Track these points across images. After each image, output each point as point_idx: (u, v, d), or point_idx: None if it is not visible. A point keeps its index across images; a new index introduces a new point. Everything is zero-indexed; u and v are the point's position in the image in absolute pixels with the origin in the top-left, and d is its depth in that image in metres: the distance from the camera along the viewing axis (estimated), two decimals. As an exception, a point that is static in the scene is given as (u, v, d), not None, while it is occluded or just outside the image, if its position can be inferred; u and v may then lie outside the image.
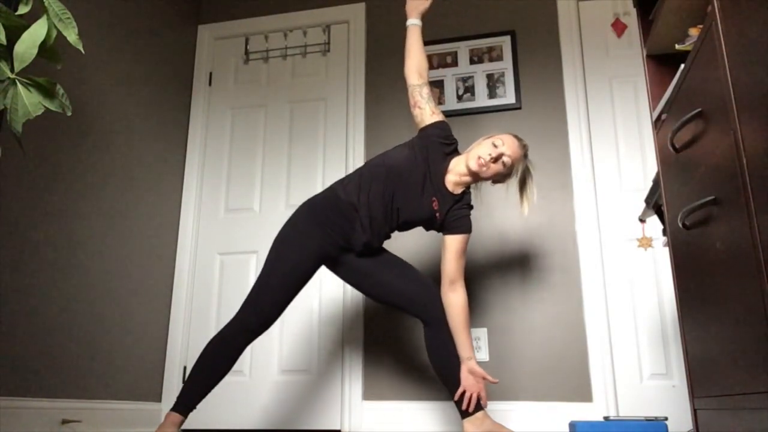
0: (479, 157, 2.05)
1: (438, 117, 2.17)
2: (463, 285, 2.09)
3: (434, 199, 2.10)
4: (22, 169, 2.29)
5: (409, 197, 2.10)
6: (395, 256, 2.21)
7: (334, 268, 2.19)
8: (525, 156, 2.15)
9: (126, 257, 2.85)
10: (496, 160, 2.06)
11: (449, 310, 2.06)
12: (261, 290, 2.04)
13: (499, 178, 2.14)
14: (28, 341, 2.27)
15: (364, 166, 2.18)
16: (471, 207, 2.16)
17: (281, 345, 3.05)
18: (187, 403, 1.99)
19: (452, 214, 2.11)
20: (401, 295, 2.11)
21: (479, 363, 2.78)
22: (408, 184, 2.09)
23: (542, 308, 2.80)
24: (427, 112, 2.17)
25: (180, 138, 3.39)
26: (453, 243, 2.09)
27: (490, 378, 2.03)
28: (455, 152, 2.18)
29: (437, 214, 2.11)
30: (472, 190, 2.20)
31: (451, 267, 2.07)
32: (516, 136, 2.15)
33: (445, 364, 2.07)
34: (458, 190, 2.13)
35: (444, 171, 2.12)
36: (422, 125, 2.17)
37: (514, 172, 2.13)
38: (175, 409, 1.98)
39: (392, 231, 2.17)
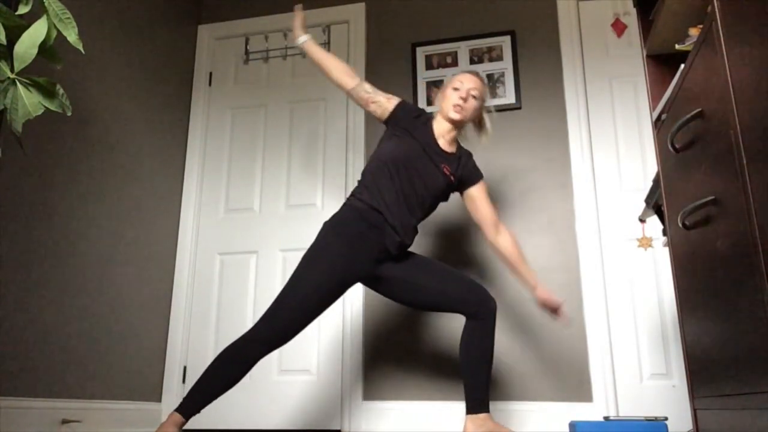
0: (453, 105, 2.18)
1: (395, 99, 2.24)
2: (503, 225, 2.25)
3: (444, 165, 2.18)
4: (22, 169, 2.29)
5: (425, 176, 2.14)
6: (428, 258, 2.21)
7: (375, 286, 2.17)
8: (485, 84, 2.30)
9: (126, 257, 2.85)
10: (466, 99, 2.19)
11: (504, 250, 2.20)
12: (280, 307, 2.01)
13: (477, 113, 2.26)
14: (29, 341, 2.27)
15: (364, 174, 2.18)
16: (470, 154, 2.29)
17: (281, 345, 3.05)
18: (191, 406, 1.98)
19: (462, 169, 2.23)
20: (445, 296, 2.11)
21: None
22: (417, 167, 2.13)
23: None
24: (383, 102, 2.23)
25: (180, 138, 3.39)
26: (478, 192, 2.24)
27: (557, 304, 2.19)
28: (429, 119, 2.26)
29: (452, 177, 2.19)
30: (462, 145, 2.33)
31: (487, 212, 2.23)
32: (468, 71, 2.28)
33: (474, 355, 2.07)
34: (453, 148, 2.25)
35: (433, 138, 2.20)
36: (386, 115, 2.22)
37: (486, 101, 2.31)
38: (178, 410, 1.98)
39: (419, 221, 2.19)
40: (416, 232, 2.18)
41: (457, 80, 2.23)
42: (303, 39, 2.28)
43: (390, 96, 2.24)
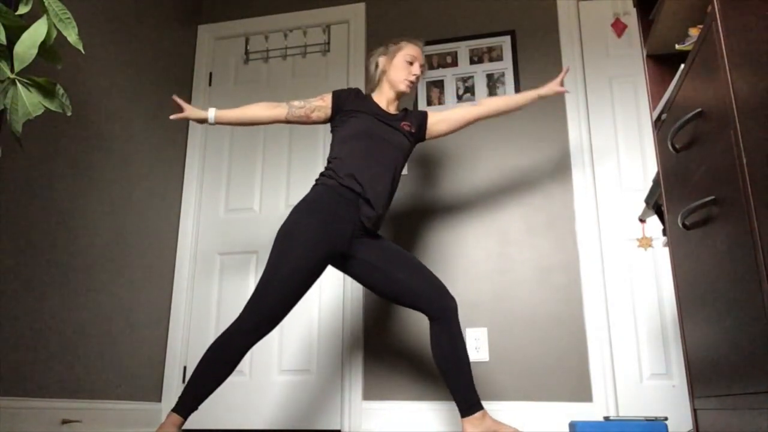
0: (407, 81, 2.29)
1: (327, 96, 2.28)
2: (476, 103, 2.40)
3: (401, 124, 2.27)
4: (22, 169, 2.29)
5: (390, 139, 2.21)
6: (402, 250, 2.20)
7: (343, 266, 2.17)
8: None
9: (126, 257, 2.85)
10: (419, 75, 2.32)
11: (498, 106, 2.33)
12: (263, 293, 2.01)
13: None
14: (28, 341, 2.27)
15: (332, 157, 2.19)
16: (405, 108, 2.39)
17: (281, 345, 3.05)
18: (188, 404, 1.98)
19: (414, 119, 2.32)
20: (409, 291, 2.10)
21: (479, 363, 2.79)
22: (380, 133, 2.20)
23: (542, 308, 2.80)
24: (320, 104, 2.26)
25: (180, 138, 3.39)
26: (437, 115, 2.35)
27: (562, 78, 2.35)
28: (367, 94, 2.32)
29: (413, 130, 2.29)
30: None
31: (459, 109, 2.35)
32: (416, 41, 2.35)
33: (449, 361, 2.05)
34: (397, 109, 2.35)
35: (380, 108, 2.27)
36: (330, 111, 2.27)
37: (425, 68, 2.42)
38: (175, 410, 1.97)
39: (391, 192, 2.20)
40: (389, 205, 2.21)
41: (409, 53, 2.30)
42: (211, 113, 2.21)
43: (320, 96, 2.28)
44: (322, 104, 2.26)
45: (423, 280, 2.11)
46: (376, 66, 2.36)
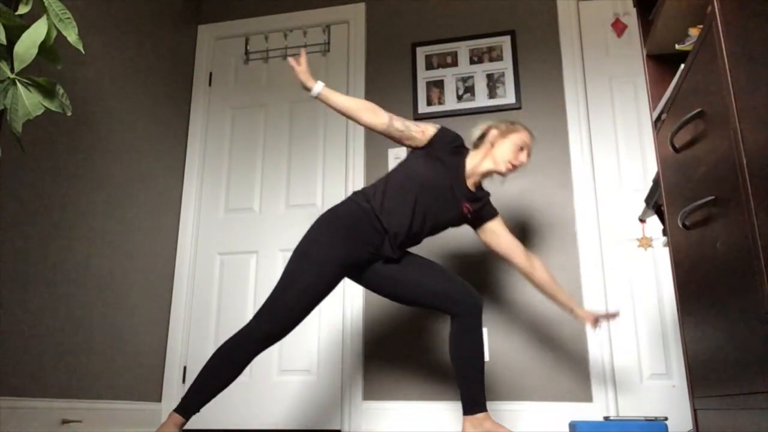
0: (511, 164, 2.18)
1: (430, 131, 2.14)
2: (529, 251, 2.31)
3: (465, 203, 2.17)
4: (22, 169, 2.29)
5: (444, 209, 2.13)
6: (416, 254, 2.19)
7: (359, 279, 2.16)
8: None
9: (126, 257, 2.85)
10: (523, 164, 2.23)
11: (541, 279, 2.23)
12: (278, 302, 2.00)
13: None
14: (28, 341, 2.27)
15: (388, 178, 2.14)
16: (488, 193, 2.28)
17: (281, 345, 3.05)
18: (190, 405, 1.98)
19: (482, 208, 2.23)
20: (429, 292, 2.09)
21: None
22: (440, 197, 2.12)
23: (542, 308, 2.80)
24: (418, 138, 2.14)
25: (180, 138, 3.39)
26: (498, 225, 2.26)
27: (608, 315, 2.25)
28: (464, 151, 2.20)
29: (469, 215, 2.21)
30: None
31: (514, 242, 2.25)
32: (528, 131, 2.24)
33: (466, 358, 2.05)
34: (475, 187, 2.23)
35: (463, 174, 2.17)
36: (421, 146, 2.15)
37: None
38: (177, 410, 1.98)
39: (417, 243, 2.17)
40: (407, 245, 2.17)
41: (523, 139, 2.20)
42: (318, 88, 2.10)
43: (423, 128, 2.14)
44: (420, 138, 2.14)
45: (440, 278, 2.10)
46: (484, 134, 2.24)
